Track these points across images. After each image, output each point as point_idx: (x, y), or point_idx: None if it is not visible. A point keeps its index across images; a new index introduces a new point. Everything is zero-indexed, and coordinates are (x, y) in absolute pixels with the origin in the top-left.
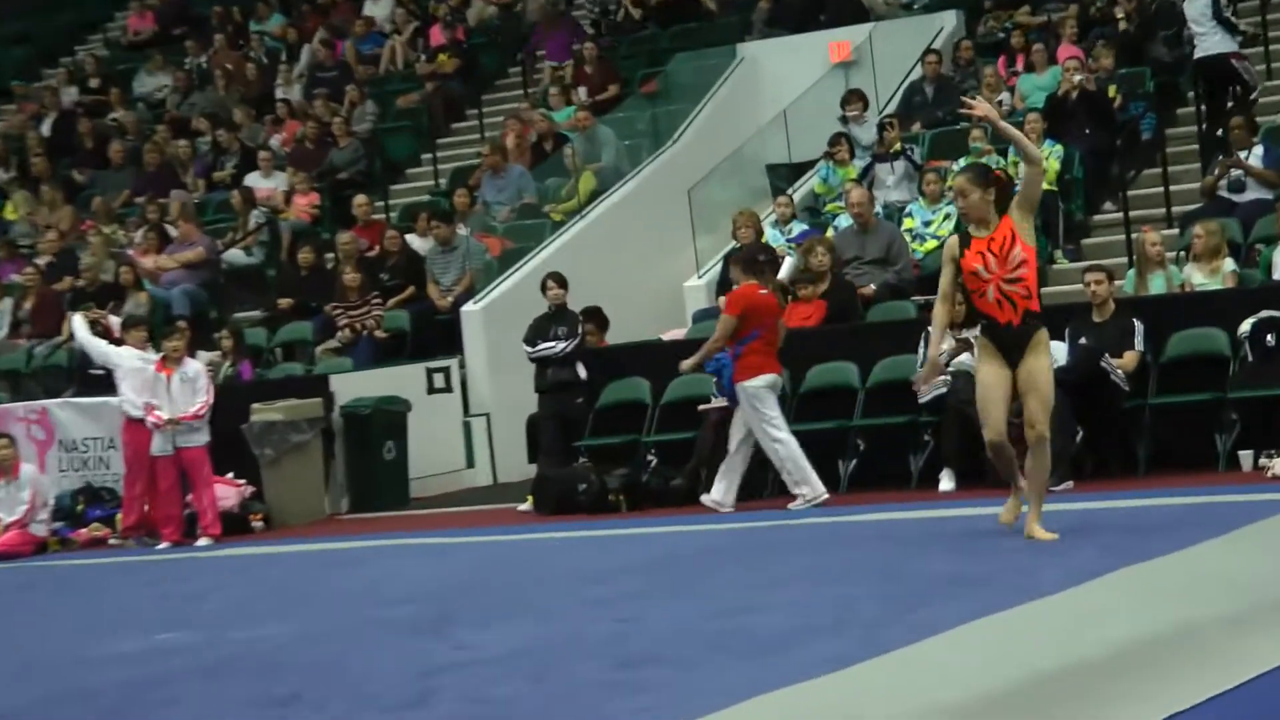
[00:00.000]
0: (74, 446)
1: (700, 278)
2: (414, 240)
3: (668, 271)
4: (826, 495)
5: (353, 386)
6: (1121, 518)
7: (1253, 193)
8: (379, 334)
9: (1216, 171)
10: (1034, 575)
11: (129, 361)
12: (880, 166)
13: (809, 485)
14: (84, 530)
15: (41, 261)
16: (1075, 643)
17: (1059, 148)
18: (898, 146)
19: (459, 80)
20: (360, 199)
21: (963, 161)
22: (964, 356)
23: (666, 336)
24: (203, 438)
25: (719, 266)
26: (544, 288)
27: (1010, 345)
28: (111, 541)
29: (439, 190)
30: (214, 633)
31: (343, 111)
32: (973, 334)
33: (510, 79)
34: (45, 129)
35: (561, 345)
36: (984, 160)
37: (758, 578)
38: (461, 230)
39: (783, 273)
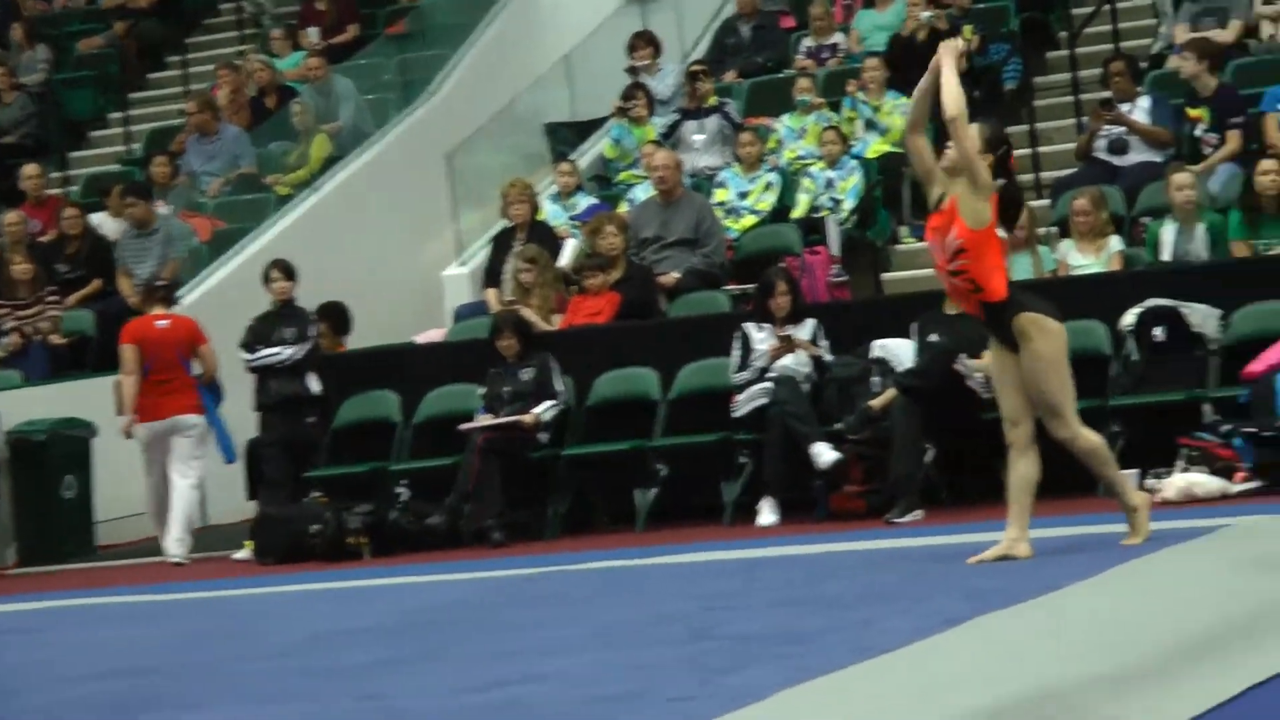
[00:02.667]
0: None
1: (463, 264)
2: (101, 221)
3: (422, 257)
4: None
5: (22, 406)
6: (979, 553)
7: (1137, 154)
8: (56, 339)
9: (1093, 127)
10: (873, 628)
11: None
12: (688, 124)
13: (181, 542)
14: None
15: None
16: (916, 710)
17: (904, 101)
18: (712, 100)
19: (157, 19)
20: (30, 169)
21: (787, 118)
22: (787, 359)
23: (421, 339)
24: None
25: (487, 250)
26: (267, 279)
27: (995, 334)
28: None
29: (132, 158)
30: None
31: (7, 59)
32: (795, 330)
33: (222, 18)
34: None
35: (289, 351)
36: (822, 113)
37: (534, 639)
38: (161, 208)
39: (564, 258)
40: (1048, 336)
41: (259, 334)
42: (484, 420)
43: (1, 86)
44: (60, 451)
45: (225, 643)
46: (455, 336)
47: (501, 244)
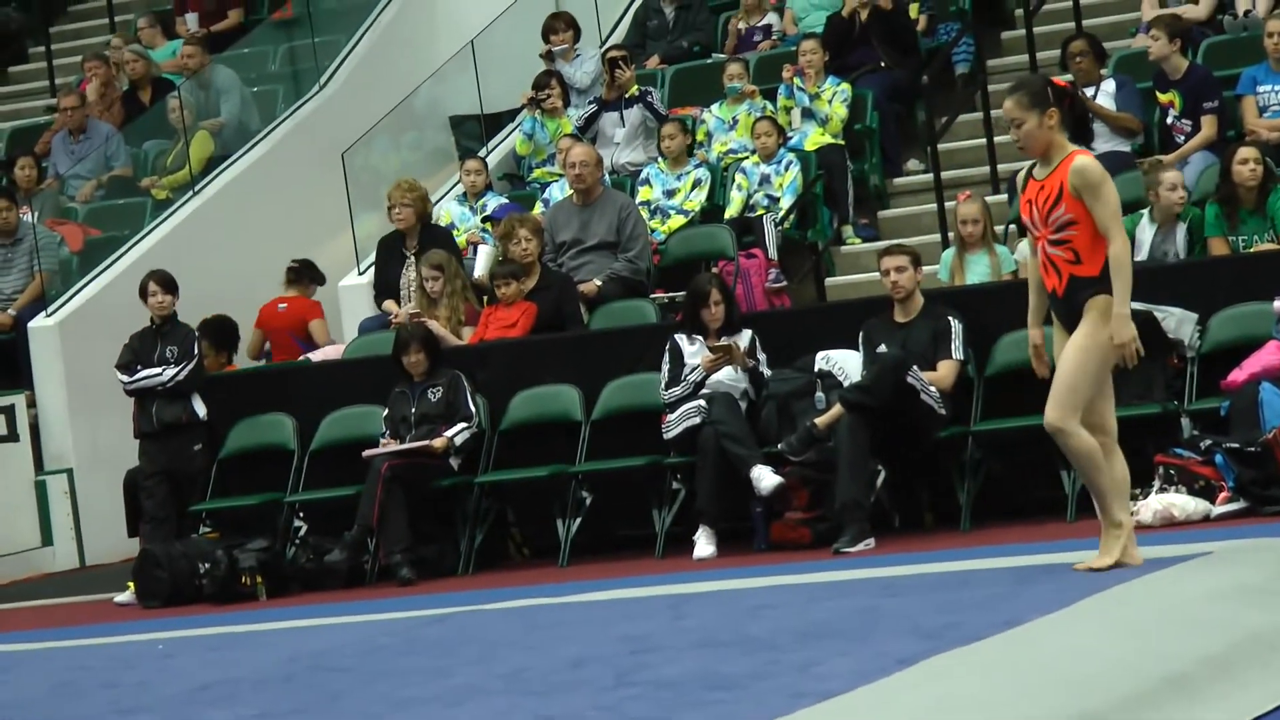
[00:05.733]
0: None
1: (362, 274)
2: None
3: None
4: None
5: None
6: (938, 586)
7: (1103, 143)
8: None
9: None
10: (813, 672)
11: None
12: (607, 116)
13: None
14: None
15: None
16: None
17: (845, 87)
18: (634, 90)
19: (17, 5)
20: None
21: (717, 108)
22: (723, 373)
23: (317, 356)
24: None
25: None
26: (145, 292)
27: (1064, 318)
28: None
29: None
30: None
31: None
32: (736, 340)
33: (89, 4)
34: None
35: (171, 372)
36: (755, 102)
37: (440, 686)
38: (26, 215)
39: (479, 267)
40: (1098, 326)
41: (138, 353)
42: (388, 446)
43: None
44: None
45: (97, 696)
46: (354, 353)
47: (390, 253)
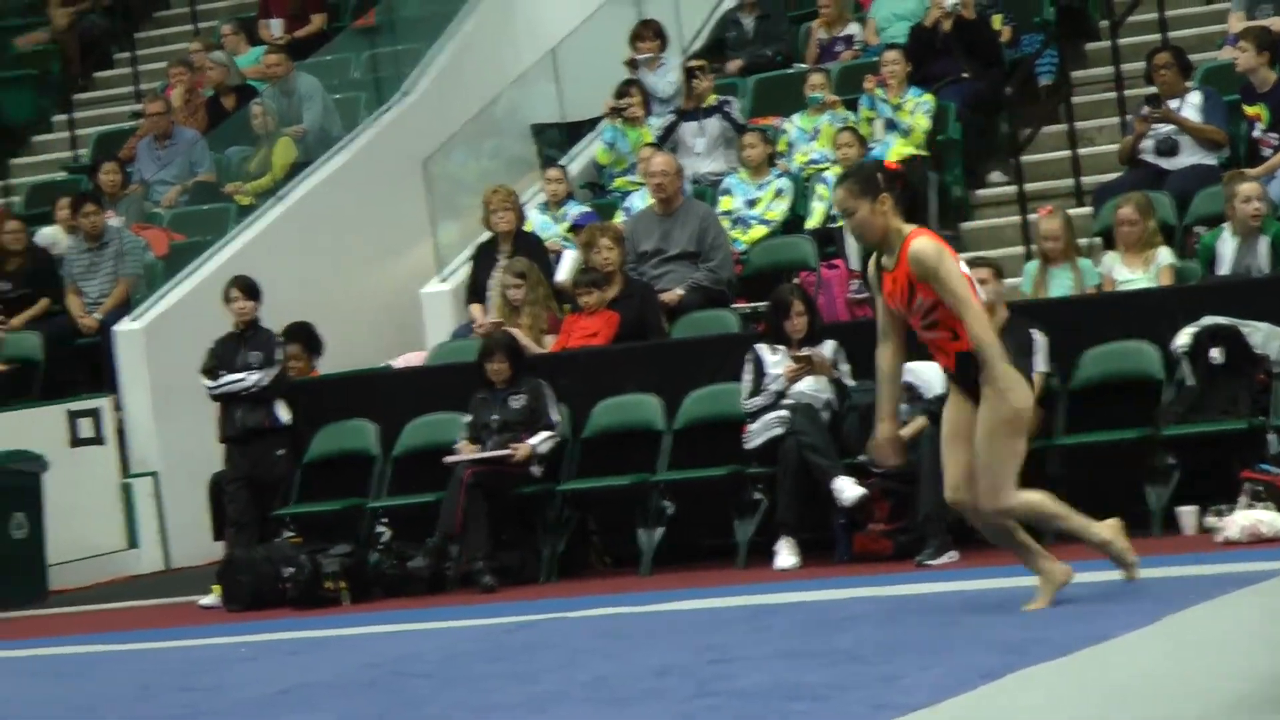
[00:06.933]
0: None
1: (443, 280)
2: (46, 234)
3: (399, 273)
4: None
5: None
6: (1021, 601)
7: (1188, 155)
8: None
9: (1139, 128)
10: (896, 684)
11: None
12: (686, 126)
13: None
14: None
15: None
16: None
17: (927, 98)
18: (711, 99)
19: (103, 12)
20: None
21: (799, 118)
22: (805, 384)
23: (399, 363)
24: None
25: (470, 265)
26: (228, 298)
27: (963, 390)
28: None
29: (78, 165)
30: None
31: None
32: (814, 351)
33: (174, 10)
34: None
35: (254, 377)
36: (837, 112)
37: (521, 693)
38: (112, 220)
39: (562, 271)
40: (1017, 394)
41: (222, 358)
42: (470, 452)
43: None
44: (7, 486)
45: (178, 697)
46: (437, 360)
47: (484, 257)
